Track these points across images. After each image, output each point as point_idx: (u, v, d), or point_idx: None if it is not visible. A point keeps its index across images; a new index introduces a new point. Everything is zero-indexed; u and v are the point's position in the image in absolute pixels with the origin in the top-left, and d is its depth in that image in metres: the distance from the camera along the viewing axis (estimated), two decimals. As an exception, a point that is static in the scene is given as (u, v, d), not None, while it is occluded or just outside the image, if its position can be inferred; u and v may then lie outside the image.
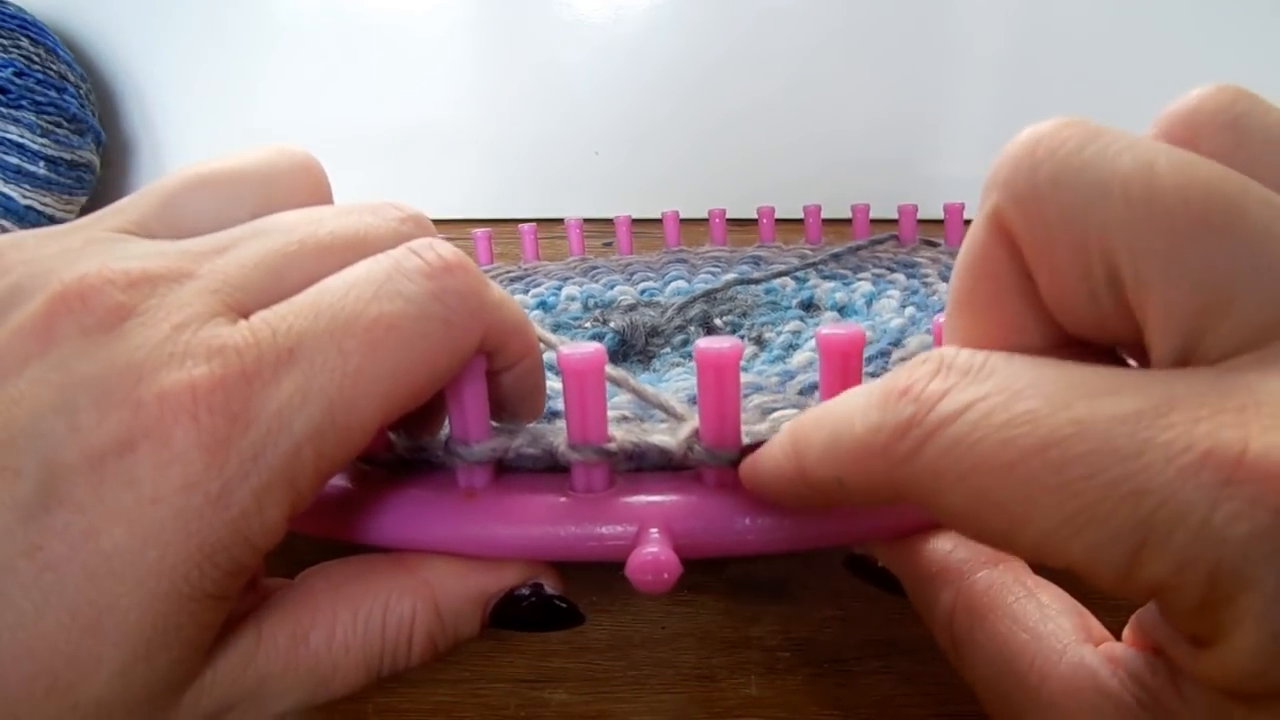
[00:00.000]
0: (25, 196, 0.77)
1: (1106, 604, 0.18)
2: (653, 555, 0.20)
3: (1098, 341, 0.18)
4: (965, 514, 0.15)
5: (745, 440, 0.22)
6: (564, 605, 0.22)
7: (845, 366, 0.22)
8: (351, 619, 0.20)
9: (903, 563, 0.21)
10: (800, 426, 0.19)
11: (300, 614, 0.20)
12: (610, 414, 0.23)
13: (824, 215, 0.55)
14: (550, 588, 0.22)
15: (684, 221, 0.57)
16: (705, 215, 0.57)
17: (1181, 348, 0.16)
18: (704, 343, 0.21)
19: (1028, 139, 0.17)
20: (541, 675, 0.25)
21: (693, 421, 0.23)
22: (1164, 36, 0.71)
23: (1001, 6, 0.74)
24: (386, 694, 0.24)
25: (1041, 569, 0.20)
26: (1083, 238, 0.16)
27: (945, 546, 0.20)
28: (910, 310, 0.40)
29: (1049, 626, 0.18)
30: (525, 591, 0.22)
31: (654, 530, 0.21)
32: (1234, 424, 0.13)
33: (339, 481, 0.24)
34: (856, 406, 0.17)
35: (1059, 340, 0.19)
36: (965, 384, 0.15)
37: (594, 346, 0.21)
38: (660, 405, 0.24)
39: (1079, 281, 0.17)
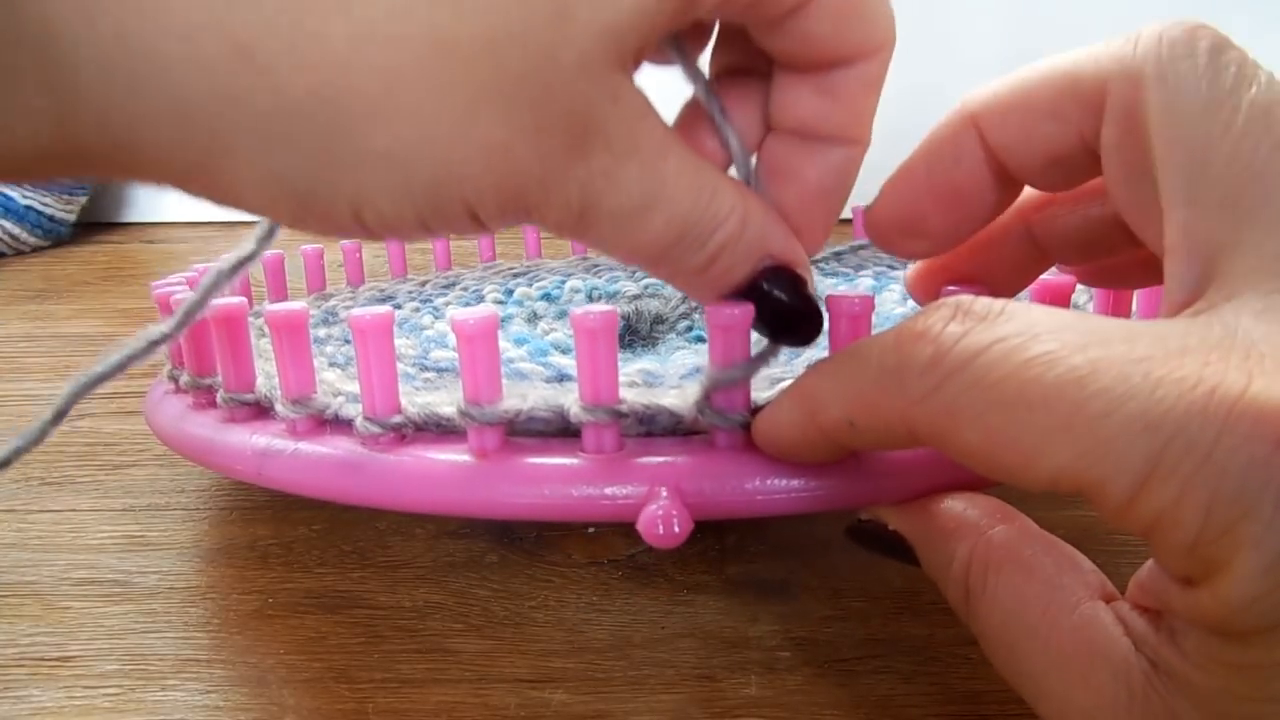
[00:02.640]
0: (25, 197, 0.78)
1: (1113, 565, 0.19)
2: (664, 509, 0.20)
3: (1118, 236, 0.20)
4: (981, 451, 0.16)
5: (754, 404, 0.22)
6: (811, 304, 0.21)
7: (854, 331, 0.22)
8: (692, 174, 0.20)
9: (916, 523, 0.21)
10: (812, 373, 0.20)
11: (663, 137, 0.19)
12: (620, 379, 0.23)
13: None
14: (798, 287, 0.21)
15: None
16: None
17: (1202, 274, 0.17)
18: (714, 306, 0.21)
19: (1167, 28, 0.18)
20: (541, 675, 0.25)
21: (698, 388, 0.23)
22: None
23: (1004, 9, 0.74)
24: (387, 694, 0.24)
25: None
26: (1169, 136, 0.18)
27: (958, 505, 0.21)
28: (913, 303, 0.40)
29: (1063, 580, 0.18)
30: (773, 278, 0.21)
31: (663, 489, 0.21)
32: (1239, 367, 0.14)
33: (348, 446, 0.24)
34: (872, 350, 0.18)
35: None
36: (983, 327, 0.16)
37: (606, 307, 0.21)
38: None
39: (1141, 168, 0.19)
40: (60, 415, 0.25)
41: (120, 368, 0.24)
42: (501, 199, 0.18)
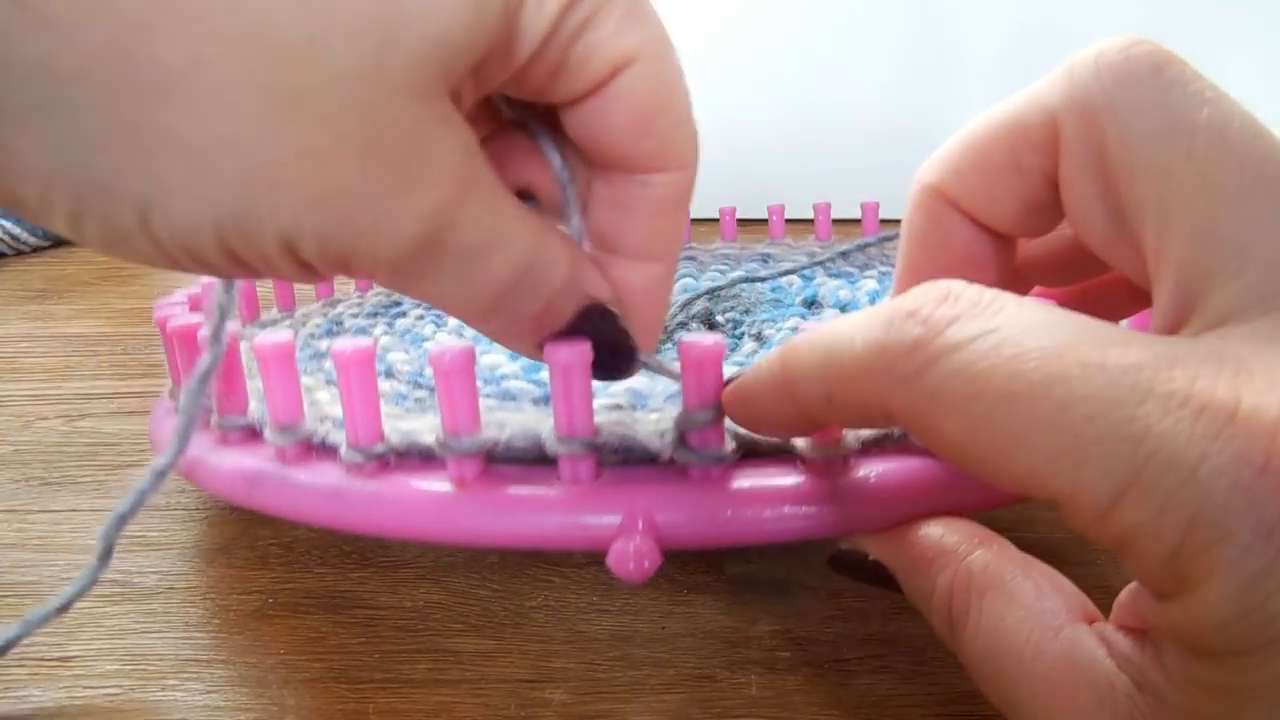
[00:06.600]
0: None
1: (1097, 589, 0.19)
2: (633, 545, 0.21)
3: (1098, 259, 0.19)
4: (957, 441, 0.16)
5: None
6: (625, 336, 0.21)
7: None
8: (526, 220, 0.19)
9: (896, 551, 0.21)
10: (792, 344, 0.19)
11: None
12: (604, 401, 0.23)
13: (834, 214, 0.55)
14: (615, 322, 0.21)
15: (695, 220, 0.57)
16: (716, 214, 0.56)
17: (1183, 304, 0.17)
18: (688, 339, 0.21)
19: (1101, 53, 0.18)
20: (541, 675, 0.25)
21: (676, 412, 0.23)
22: (1167, 37, 0.71)
23: (1010, 12, 0.74)
24: (387, 694, 0.24)
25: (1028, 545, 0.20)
26: (1129, 166, 0.17)
27: (937, 532, 0.21)
28: None
29: (1045, 604, 0.18)
30: (594, 316, 0.21)
31: (638, 521, 0.21)
32: (1228, 385, 0.14)
33: (333, 473, 0.25)
34: (858, 325, 0.17)
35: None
36: (974, 314, 0.16)
37: (580, 342, 0.21)
38: (666, 373, 0.24)
39: (1105, 200, 0.18)
40: (107, 554, 0.25)
41: (139, 504, 0.24)
42: (324, 222, 0.16)
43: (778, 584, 0.28)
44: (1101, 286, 0.24)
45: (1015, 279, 0.23)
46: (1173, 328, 0.17)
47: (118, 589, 0.29)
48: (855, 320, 0.17)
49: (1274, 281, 0.16)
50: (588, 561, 0.29)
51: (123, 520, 0.24)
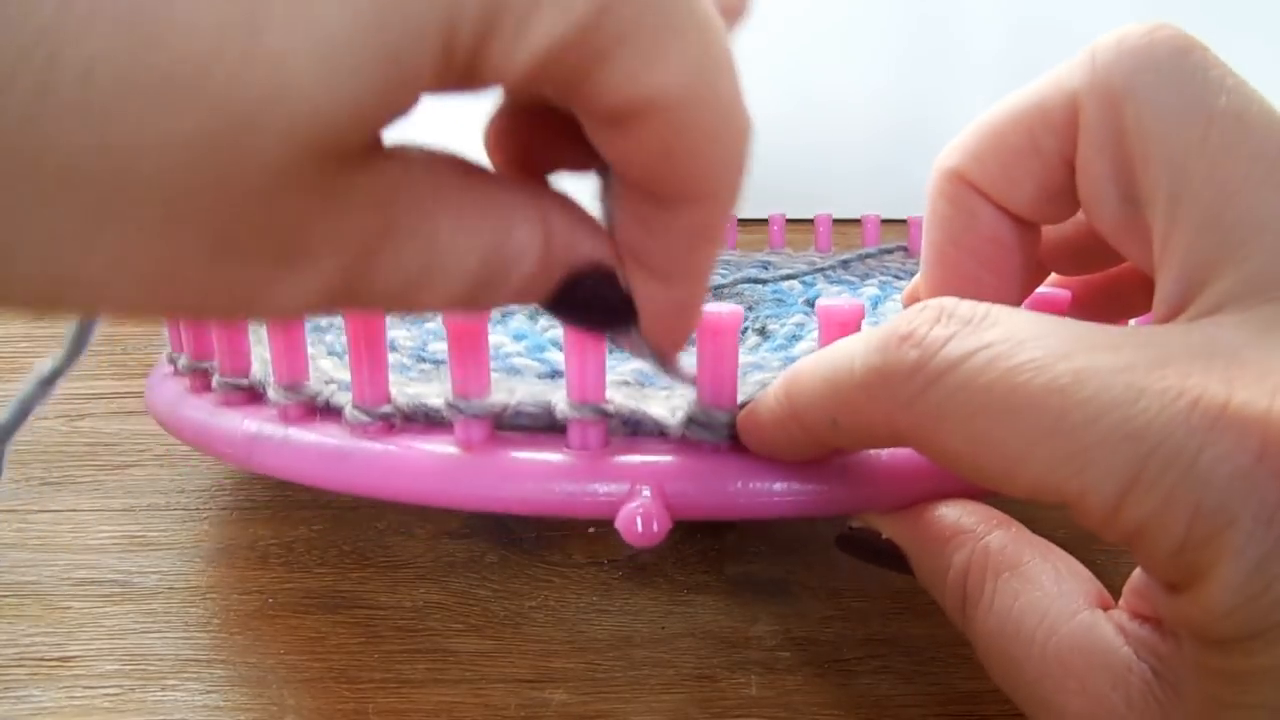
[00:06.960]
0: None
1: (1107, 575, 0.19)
2: (643, 507, 0.21)
3: (1104, 241, 0.19)
4: (965, 456, 0.16)
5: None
6: (622, 299, 0.18)
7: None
8: (478, 222, 0.16)
9: (911, 530, 0.21)
10: (795, 371, 0.19)
11: (437, 190, 0.16)
12: (611, 379, 0.23)
13: (832, 215, 0.55)
14: (613, 283, 0.18)
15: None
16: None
17: (1186, 291, 0.17)
18: (704, 309, 0.21)
19: (1124, 36, 0.18)
20: (541, 675, 0.25)
21: (689, 392, 0.23)
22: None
23: (1010, 12, 0.74)
24: (387, 694, 0.24)
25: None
26: (1145, 150, 0.17)
27: (954, 512, 0.21)
28: None
29: (1062, 587, 0.18)
30: (585, 281, 0.18)
31: (645, 488, 0.21)
32: (1220, 379, 0.14)
33: (339, 435, 0.25)
34: (855, 350, 0.17)
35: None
36: (968, 332, 0.16)
37: None
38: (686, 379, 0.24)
39: (1118, 184, 0.18)
40: None
41: (23, 414, 0.23)
42: (179, 309, 0.15)
43: (778, 584, 0.28)
44: (1116, 278, 0.24)
45: (1032, 265, 0.23)
46: (1172, 316, 0.17)
47: (118, 589, 0.29)
48: (853, 344, 0.17)
49: (1276, 271, 0.16)
50: (588, 561, 0.29)
51: (6, 431, 0.23)
